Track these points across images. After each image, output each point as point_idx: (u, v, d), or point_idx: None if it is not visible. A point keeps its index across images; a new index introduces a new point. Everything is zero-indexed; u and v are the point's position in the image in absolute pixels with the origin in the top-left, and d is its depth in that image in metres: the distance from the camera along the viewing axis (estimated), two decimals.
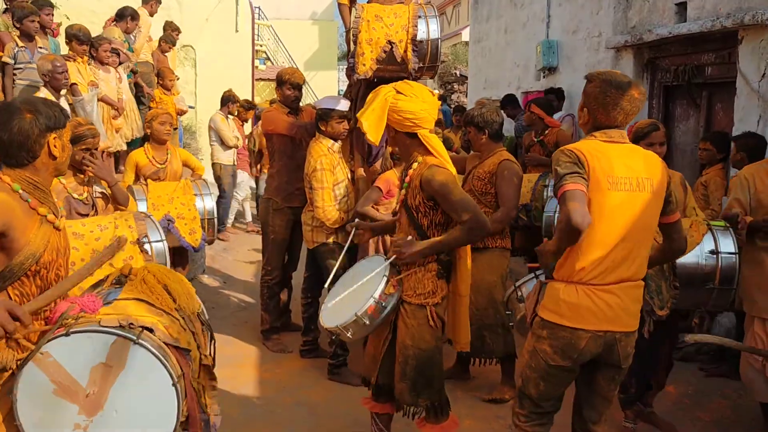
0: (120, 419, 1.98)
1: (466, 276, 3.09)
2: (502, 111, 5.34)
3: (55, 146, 2.12)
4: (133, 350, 1.97)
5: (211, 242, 5.11)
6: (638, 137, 3.88)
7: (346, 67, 4.87)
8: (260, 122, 6.19)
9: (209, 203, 4.73)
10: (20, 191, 2.07)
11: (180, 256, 4.82)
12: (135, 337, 1.98)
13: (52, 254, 2.13)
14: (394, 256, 2.98)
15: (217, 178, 8.40)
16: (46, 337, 1.99)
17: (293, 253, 5.18)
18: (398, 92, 3.04)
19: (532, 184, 5.52)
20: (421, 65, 4.33)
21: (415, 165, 3.03)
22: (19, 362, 2.01)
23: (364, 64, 4.25)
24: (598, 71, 2.68)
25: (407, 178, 3.04)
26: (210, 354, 2.38)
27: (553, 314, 2.57)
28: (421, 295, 2.99)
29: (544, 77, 8.28)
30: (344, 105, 4.42)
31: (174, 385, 2.00)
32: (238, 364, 4.64)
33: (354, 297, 2.99)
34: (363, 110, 3.09)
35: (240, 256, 7.76)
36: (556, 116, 6.73)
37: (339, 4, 4.81)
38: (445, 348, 4.78)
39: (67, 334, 1.97)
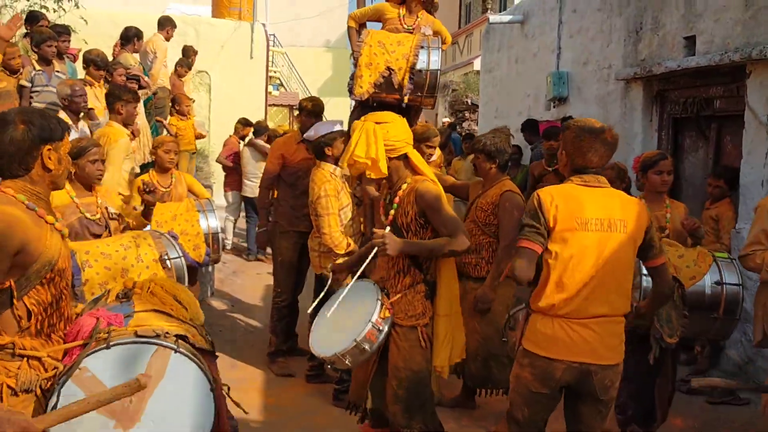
0: (157, 430, 1.99)
1: (447, 295, 3.18)
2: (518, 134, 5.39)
3: (49, 158, 2.08)
4: (173, 359, 2.00)
5: (216, 260, 5.16)
6: (646, 166, 3.93)
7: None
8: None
9: (213, 221, 4.78)
10: (25, 202, 2.05)
11: (190, 276, 4.86)
12: (175, 346, 2.00)
13: (64, 262, 2.12)
14: (380, 288, 3.07)
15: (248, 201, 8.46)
16: (84, 352, 2.00)
17: (300, 277, 5.21)
18: (379, 123, 3.15)
19: None
20: (419, 94, 4.39)
21: (404, 186, 3.12)
22: (45, 381, 2.01)
23: (361, 86, 4.33)
24: (574, 120, 2.87)
25: (396, 199, 3.12)
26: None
27: (532, 344, 2.71)
28: (413, 317, 3.06)
29: (554, 107, 8.34)
30: (339, 125, 4.55)
31: (212, 390, 2.02)
32: (243, 388, 4.62)
33: (346, 323, 2.99)
34: (361, 153, 3.11)
35: (249, 280, 7.79)
36: None
37: (348, 27, 4.94)
38: (450, 377, 4.81)
39: (108, 347, 1.99)
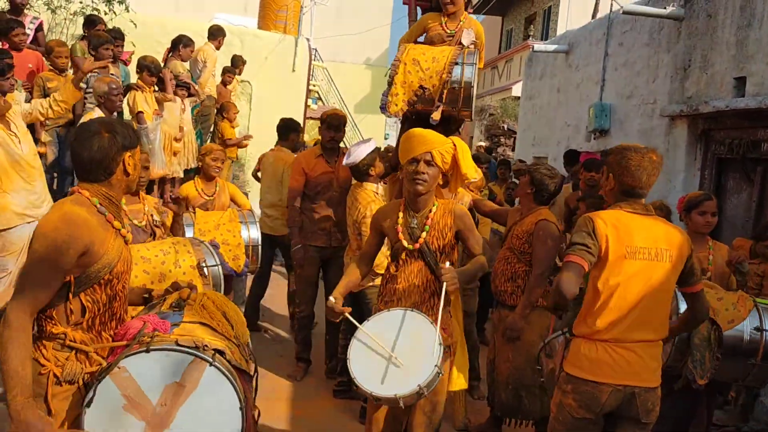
0: None
1: (458, 319, 3.30)
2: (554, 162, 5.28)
3: (129, 164, 2.23)
4: (208, 371, 2.03)
5: (254, 271, 5.21)
6: (690, 206, 3.89)
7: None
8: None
9: (254, 232, 4.84)
10: (98, 205, 2.18)
11: (224, 284, 4.91)
12: (211, 359, 2.04)
13: (124, 266, 2.22)
14: (440, 328, 2.85)
15: None
16: (125, 352, 2.06)
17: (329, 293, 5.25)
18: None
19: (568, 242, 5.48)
20: (454, 108, 4.41)
21: (433, 208, 3.10)
22: (87, 375, 2.09)
23: (396, 105, 4.38)
24: (616, 146, 2.90)
25: (428, 222, 3.07)
26: (253, 386, 2.42)
27: (576, 368, 2.72)
28: (449, 339, 3.08)
29: (594, 139, 8.29)
30: (373, 143, 4.57)
31: (241, 408, 2.05)
32: (271, 398, 4.65)
33: (403, 360, 2.79)
34: (463, 164, 3.19)
35: (279, 290, 7.82)
36: None
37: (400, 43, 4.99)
38: (478, 404, 4.78)
39: (147, 351, 2.04)
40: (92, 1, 9.66)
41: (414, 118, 4.43)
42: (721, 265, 3.94)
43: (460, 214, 3.11)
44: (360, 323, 3.01)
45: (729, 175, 6.20)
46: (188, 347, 2.06)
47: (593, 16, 10.32)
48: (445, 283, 2.88)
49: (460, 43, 4.62)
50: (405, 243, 3.08)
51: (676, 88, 6.69)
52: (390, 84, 4.42)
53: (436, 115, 4.30)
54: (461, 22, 4.65)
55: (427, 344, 2.80)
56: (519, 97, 12.69)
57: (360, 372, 2.80)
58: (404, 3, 5.32)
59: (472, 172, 3.25)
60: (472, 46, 4.61)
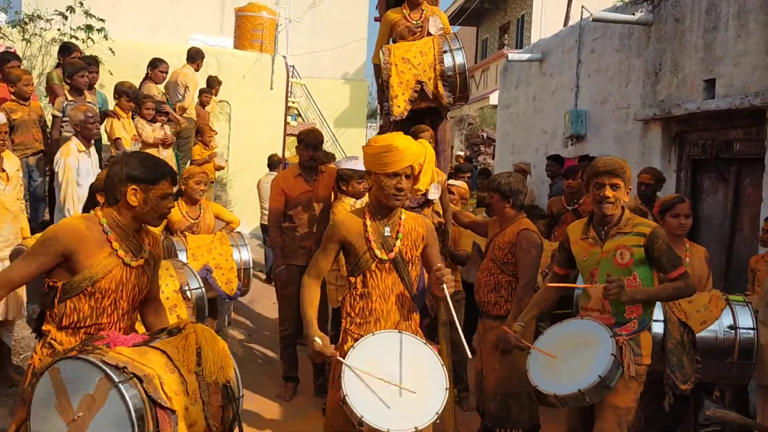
0: None
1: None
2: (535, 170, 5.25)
3: (130, 196, 2.41)
4: (112, 392, 2.08)
5: (245, 293, 5.23)
6: (664, 209, 3.97)
7: (378, 119, 5.05)
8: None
9: (245, 254, 4.88)
10: (104, 225, 2.43)
11: (210, 307, 4.91)
12: (117, 380, 2.08)
13: (110, 284, 2.40)
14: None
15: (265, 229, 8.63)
16: (62, 354, 2.21)
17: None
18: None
19: (553, 250, 5.50)
20: (453, 96, 4.47)
21: (402, 216, 2.98)
22: None
23: (399, 106, 4.42)
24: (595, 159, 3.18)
25: (400, 229, 2.94)
26: (226, 429, 2.38)
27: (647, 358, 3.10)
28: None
29: (571, 145, 8.39)
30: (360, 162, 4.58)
31: None
32: (260, 421, 4.64)
33: (414, 388, 2.67)
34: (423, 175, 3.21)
35: (265, 309, 7.82)
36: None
37: (373, 65, 5.03)
38: (467, 415, 4.79)
39: (76, 358, 2.16)
40: (70, 29, 9.65)
41: (409, 114, 4.49)
42: (698, 267, 4.01)
43: (430, 227, 3.07)
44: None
45: (704, 176, 6.31)
46: (106, 365, 2.11)
47: (565, 24, 10.47)
48: (445, 286, 2.77)
49: (429, 33, 4.68)
50: (377, 252, 2.89)
51: (648, 92, 6.80)
52: (387, 88, 4.45)
53: (448, 103, 4.49)
54: (423, 11, 4.71)
55: (429, 365, 2.74)
56: (496, 105, 12.80)
57: (367, 409, 2.57)
58: (376, 20, 5.37)
59: (425, 185, 3.24)
60: (451, 33, 4.67)
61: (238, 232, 5.13)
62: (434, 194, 4.50)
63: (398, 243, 2.91)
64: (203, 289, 4.11)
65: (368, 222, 2.91)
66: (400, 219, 2.96)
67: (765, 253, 4.66)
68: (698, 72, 6.04)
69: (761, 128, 5.32)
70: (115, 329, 2.44)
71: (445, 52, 4.44)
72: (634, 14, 6.85)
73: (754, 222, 5.54)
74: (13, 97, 5.55)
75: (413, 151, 2.91)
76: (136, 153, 2.59)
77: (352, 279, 2.96)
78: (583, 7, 8.00)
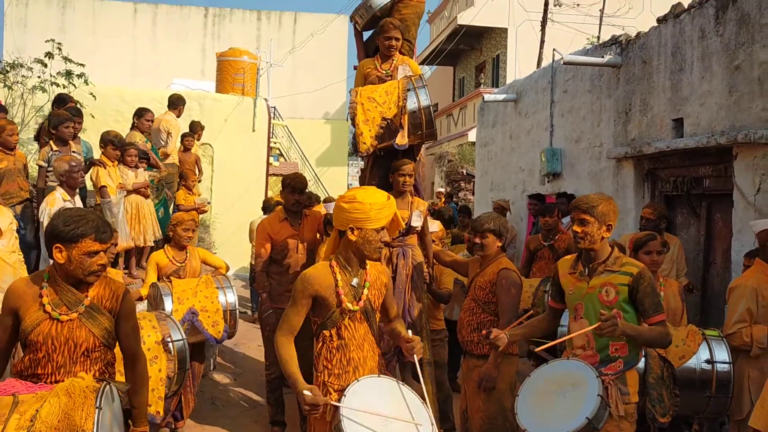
0: None
1: None
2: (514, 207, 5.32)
3: (58, 254, 2.49)
4: None
5: (232, 335, 5.25)
6: (637, 247, 4.12)
7: (358, 159, 5.21)
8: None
9: (231, 297, 4.93)
10: (45, 280, 2.56)
11: (197, 352, 4.94)
12: None
13: (38, 337, 2.48)
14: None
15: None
16: None
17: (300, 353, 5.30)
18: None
19: (533, 289, 5.60)
20: (420, 133, 4.62)
21: (367, 265, 3.11)
22: None
23: (364, 143, 4.57)
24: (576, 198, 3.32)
25: (366, 278, 3.06)
26: None
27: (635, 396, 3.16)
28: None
29: (548, 182, 8.59)
30: None
31: None
32: None
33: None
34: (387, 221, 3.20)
35: (251, 352, 7.81)
36: (565, 221, 6.96)
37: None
38: None
39: None
40: (51, 76, 9.77)
41: (382, 154, 4.63)
42: (672, 302, 4.15)
43: (389, 274, 3.27)
44: None
45: (677, 211, 6.50)
46: None
47: (538, 65, 10.79)
48: (415, 355, 2.98)
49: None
50: (350, 305, 2.99)
51: (620, 131, 7.03)
52: (353, 125, 4.62)
53: (401, 140, 4.51)
54: (394, 61, 4.91)
55: (415, 406, 2.88)
56: (475, 143, 13.06)
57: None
58: (354, 68, 5.56)
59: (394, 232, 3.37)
60: (418, 75, 4.85)
61: (224, 275, 5.20)
62: (417, 222, 4.66)
63: (366, 292, 3.03)
64: (185, 340, 4.15)
65: (338, 275, 3.00)
66: (365, 268, 3.08)
67: None
68: (666, 112, 6.28)
69: (728, 165, 5.52)
70: (50, 381, 2.51)
71: (408, 90, 4.61)
72: (603, 57, 7.12)
73: (726, 255, 5.72)
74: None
75: (392, 203, 3.10)
76: (66, 210, 2.60)
77: (326, 332, 3.03)
78: (554, 49, 8.29)
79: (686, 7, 6.10)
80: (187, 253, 5.12)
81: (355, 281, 3.03)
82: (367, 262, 3.10)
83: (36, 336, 2.49)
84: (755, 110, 5.18)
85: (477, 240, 4.11)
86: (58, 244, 2.48)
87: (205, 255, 5.40)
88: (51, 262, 2.47)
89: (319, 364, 3.05)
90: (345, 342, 3.00)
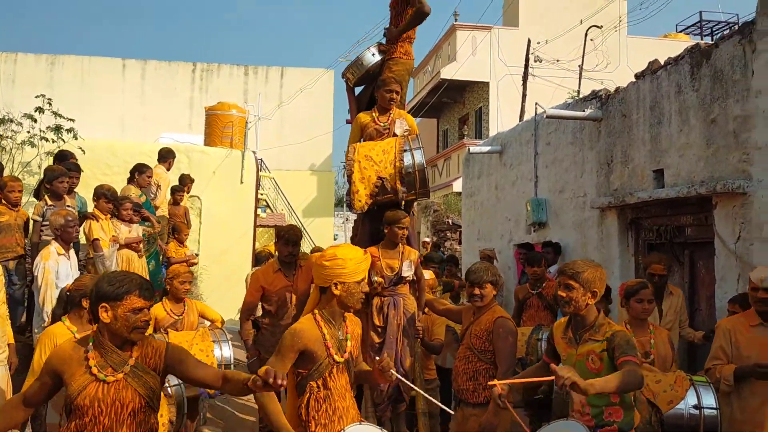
0: None
1: None
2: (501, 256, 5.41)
3: (104, 314, 2.55)
4: None
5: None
6: (629, 294, 4.21)
7: (346, 208, 5.36)
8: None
9: (227, 351, 4.92)
10: (90, 343, 2.59)
11: (190, 408, 4.90)
12: None
13: (85, 401, 2.49)
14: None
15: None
16: None
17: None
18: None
19: (525, 337, 5.66)
20: (413, 191, 4.78)
21: (346, 319, 3.28)
22: None
23: (359, 200, 4.71)
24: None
25: (348, 331, 3.24)
26: None
27: None
28: None
29: (534, 231, 8.74)
30: None
31: None
32: None
33: None
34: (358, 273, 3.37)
35: (240, 407, 7.72)
36: (552, 269, 7.08)
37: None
38: None
39: None
40: (40, 131, 9.87)
41: (375, 209, 4.76)
42: (662, 349, 4.24)
43: (363, 325, 3.45)
44: None
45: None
46: None
47: (520, 118, 11.09)
48: (392, 371, 3.10)
49: (395, 134, 5.03)
50: (337, 357, 3.12)
51: (603, 181, 7.24)
52: (349, 182, 4.76)
53: (402, 197, 4.72)
54: (391, 114, 5.08)
55: None
56: (460, 193, 13.26)
57: None
58: (347, 122, 5.73)
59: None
60: (413, 134, 5.03)
61: (221, 328, 5.22)
62: (407, 271, 4.75)
63: (349, 344, 3.20)
64: (182, 385, 4.18)
65: (324, 329, 3.14)
66: (345, 321, 3.25)
67: None
68: (647, 163, 6.49)
69: (709, 214, 5.70)
70: None
71: (405, 151, 4.78)
72: (584, 110, 7.38)
73: (710, 302, 5.85)
74: (3, 201, 5.72)
75: (368, 257, 3.32)
76: (110, 273, 2.71)
77: (313, 383, 3.12)
78: (537, 103, 8.57)
79: (662, 63, 6.39)
80: (184, 305, 5.15)
81: (341, 334, 3.19)
82: (346, 315, 3.28)
83: (83, 400, 2.50)
84: (732, 161, 5.40)
85: (476, 291, 4.18)
86: (104, 304, 2.53)
87: (203, 308, 5.43)
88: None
89: (306, 415, 3.10)
90: (330, 392, 3.11)
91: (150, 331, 4.93)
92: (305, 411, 3.11)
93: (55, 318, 3.98)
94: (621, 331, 3.22)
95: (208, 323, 5.45)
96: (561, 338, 3.44)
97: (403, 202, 4.86)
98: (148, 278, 6.66)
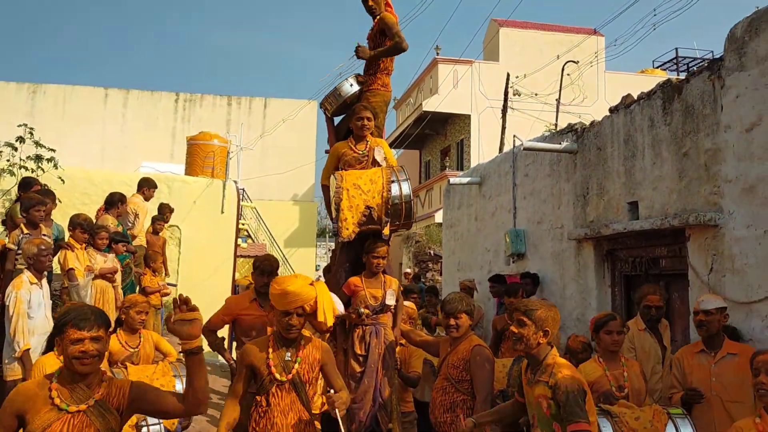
0: None
1: None
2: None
3: (58, 348, 2.57)
4: None
5: (186, 427, 5.12)
6: (598, 327, 4.25)
7: (328, 238, 5.38)
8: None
9: None
10: (56, 376, 2.54)
11: None
12: None
13: None
14: None
15: None
16: None
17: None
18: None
19: (507, 369, 5.65)
20: (398, 222, 4.83)
21: (302, 342, 3.47)
22: None
23: (347, 228, 4.75)
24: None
25: (300, 353, 3.41)
26: None
27: None
28: None
29: (513, 262, 8.79)
30: (338, 312, 4.68)
31: None
32: None
33: None
34: (319, 311, 3.50)
35: None
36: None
37: (323, 187, 5.37)
38: None
39: None
40: (20, 159, 9.82)
41: (356, 237, 4.79)
42: (635, 381, 4.25)
43: (326, 349, 3.53)
44: None
45: (636, 291, 6.69)
46: None
47: (500, 150, 11.23)
48: (337, 410, 3.25)
49: (375, 160, 5.09)
50: (277, 375, 3.34)
51: (579, 213, 7.32)
52: (338, 210, 4.79)
53: (386, 231, 4.80)
54: (368, 142, 5.13)
55: None
56: (442, 224, 13.32)
57: None
58: (326, 152, 5.78)
59: (330, 318, 3.56)
60: (398, 166, 5.10)
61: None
62: (390, 300, 4.79)
63: (296, 366, 3.38)
64: (162, 424, 4.10)
65: (270, 349, 3.41)
66: (300, 344, 3.45)
67: None
68: (622, 195, 6.58)
69: (683, 246, 5.78)
70: None
71: (393, 181, 4.84)
72: (560, 143, 7.50)
73: (685, 333, 5.90)
74: None
75: (305, 294, 3.41)
76: (66, 308, 2.72)
77: (258, 398, 3.40)
78: (515, 135, 8.69)
79: (635, 98, 6.53)
80: (140, 337, 5.01)
81: (288, 355, 3.40)
82: (304, 338, 3.48)
83: None
84: (704, 194, 5.49)
85: (452, 322, 4.19)
86: (56, 338, 2.56)
87: (158, 340, 5.25)
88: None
89: (249, 426, 3.43)
90: (271, 408, 3.34)
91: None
92: (249, 422, 3.43)
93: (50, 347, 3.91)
94: (563, 382, 3.07)
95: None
96: (524, 376, 3.46)
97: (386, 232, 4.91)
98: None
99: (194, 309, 2.58)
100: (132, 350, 4.92)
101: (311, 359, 3.43)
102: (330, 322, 3.73)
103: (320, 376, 3.54)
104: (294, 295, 3.37)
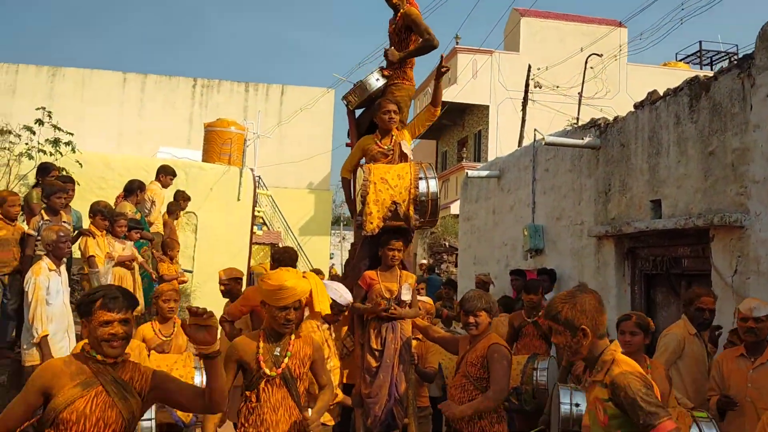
0: None
1: None
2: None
3: (85, 330, 2.58)
4: None
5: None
6: (617, 326, 4.18)
7: (342, 226, 5.31)
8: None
9: None
10: (85, 355, 2.55)
11: None
12: None
13: (71, 415, 2.43)
14: None
15: None
16: None
17: None
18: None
19: (521, 366, 5.60)
20: (422, 220, 4.77)
21: (292, 337, 3.44)
22: None
23: (371, 222, 4.69)
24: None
25: (290, 348, 3.38)
26: None
27: None
28: None
29: (531, 257, 8.71)
30: (344, 300, 4.62)
31: None
32: None
33: None
34: (316, 302, 3.60)
35: None
36: (548, 297, 7.02)
37: (342, 179, 5.32)
38: None
39: None
40: (38, 143, 9.85)
41: (379, 231, 4.75)
42: (660, 384, 4.18)
43: (317, 345, 3.52)
44: None
45: (657, 290, 6.62)
46: None
47: (519, 143, 11.11)
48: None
49: (402, 153, 5.04)
50: (267, 370, 3.31)
51: (600, 210, 7.23)
52: (363, 204, 4.74)
53: (414, 225, 4.78)
54: (393, 137, 5.08)
55: None
56: (458, 215, 13.25)
57: None
58: (347, 146, 5.73)
59: (326, 307, 3.68)
60: (426, 162, 5.06)
61: None
62: (406, 295, 4.73)
63: (286, 360, 3.35)
64: (153, 420, 4.09)
65: (261, 344, 3.37)
66: (290, 339, 3.42)
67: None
68: (645, 193, 6.49)
69: (706, 246, 5.69)
70: None
71: (420, 178, 4.79)
72: (582, 138, 7.39)
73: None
74: (1, 216, 5.73)
75: (300, 288, 3.40)
76: (92, 290, 2.71)
77: (248, 393, 3.36)
78: (536, 129, 8.58)
79: (661, 94, 6.41)
80: (174, 327, 5.06)
81: (277, 350, 3.37)
82: (294, 334, 3.45)
83: (69, 414, 2.43)
84: (730, 194, 5.39)
85: (471, 320, 4.15)
86: (83, 320, 2.54)
87: None
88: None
89: (238, 422, 3.39)
90: (261, 404, 3.30)
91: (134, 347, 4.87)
92: (238, 417, 3.39)
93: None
94: (621, 379, 2.54)
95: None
96: (582, 381, 3.30)
97: (405, 230, 4.85)
98: (142, 299, 6.64)
99: (210, 315, 2.52)
100: (164, 339, 4.94)
101: (302, 354, 3.42)
102: (326, 311, 3.79)
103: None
104: (291, 290, 3.35)
